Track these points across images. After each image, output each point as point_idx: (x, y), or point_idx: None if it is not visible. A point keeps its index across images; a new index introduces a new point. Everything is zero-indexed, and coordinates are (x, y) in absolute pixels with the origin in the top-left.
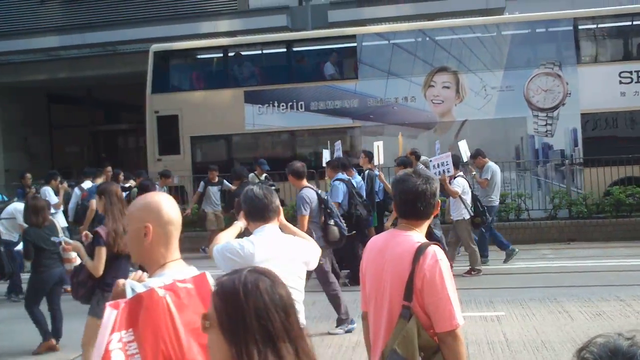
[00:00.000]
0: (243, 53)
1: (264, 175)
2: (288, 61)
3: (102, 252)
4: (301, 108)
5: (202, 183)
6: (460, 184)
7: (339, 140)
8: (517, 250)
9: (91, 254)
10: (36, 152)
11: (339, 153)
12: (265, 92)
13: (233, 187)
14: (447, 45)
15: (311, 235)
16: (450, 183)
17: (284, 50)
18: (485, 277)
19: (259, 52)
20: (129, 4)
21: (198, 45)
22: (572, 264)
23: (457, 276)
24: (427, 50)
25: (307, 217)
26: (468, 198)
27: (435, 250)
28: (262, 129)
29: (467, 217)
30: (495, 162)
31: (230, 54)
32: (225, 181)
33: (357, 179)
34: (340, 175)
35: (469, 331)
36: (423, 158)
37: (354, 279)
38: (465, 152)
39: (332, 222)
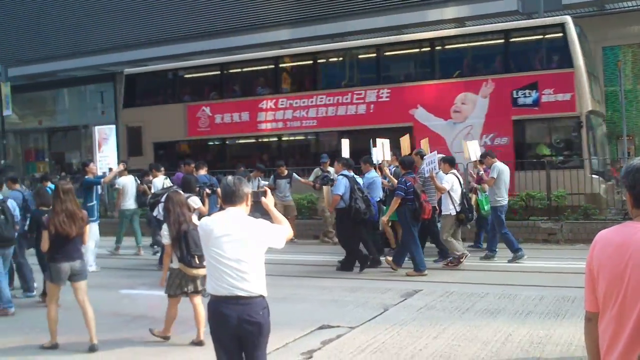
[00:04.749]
0: None
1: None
2: None
3: (45, 234)
4: None
5: (272, 176)
6: (450, 181)
7: (371, 139)
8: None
9: None
10: None
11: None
12: None
13: (302, 180)
14: None
15: None
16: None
17: None
18: None
19: None
20: None
21: None
22: None
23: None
24: None
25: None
26: (457, 195)
27: None
28: None
29: (454, 212)
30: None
31: None
32: (294, 174)
33: (371, 175)
34: (345, 171)
35: None
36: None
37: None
38: (474, 152)
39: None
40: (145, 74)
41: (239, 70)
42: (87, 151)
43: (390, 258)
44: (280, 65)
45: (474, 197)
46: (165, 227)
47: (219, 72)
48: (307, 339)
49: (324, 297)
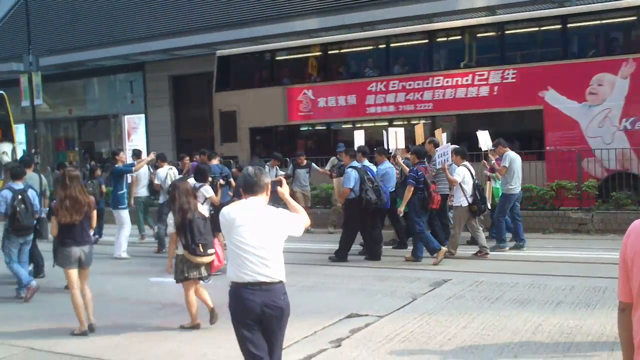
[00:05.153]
0: None
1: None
2: None
3: (54, 220)
4: None
5: (291, 166)
6: (461, 173)
7: (384, 130)
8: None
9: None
10: None
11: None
12: None
13: (321, 170)
14: None
15: None
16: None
17: None
18: None
19: None
20: None
21: None
22: None
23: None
24: None
25: None
26: (468, 187)
27: None
28: None
29: (466, 204)
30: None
31: None
32: (313, 164)
33: (384, 166)
34: (355, 162)
35: None
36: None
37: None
38: (485, 142)
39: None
40: (240, 56)
41: (345, 50)
42: (117, 140)
43: (407, 256)
44: (392, 45)
45: (489, 185)
46: (170, 215)
47: (321, 53)
48: (336, 327)
49: (352, 285)
